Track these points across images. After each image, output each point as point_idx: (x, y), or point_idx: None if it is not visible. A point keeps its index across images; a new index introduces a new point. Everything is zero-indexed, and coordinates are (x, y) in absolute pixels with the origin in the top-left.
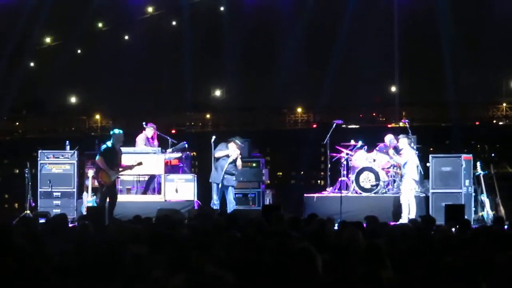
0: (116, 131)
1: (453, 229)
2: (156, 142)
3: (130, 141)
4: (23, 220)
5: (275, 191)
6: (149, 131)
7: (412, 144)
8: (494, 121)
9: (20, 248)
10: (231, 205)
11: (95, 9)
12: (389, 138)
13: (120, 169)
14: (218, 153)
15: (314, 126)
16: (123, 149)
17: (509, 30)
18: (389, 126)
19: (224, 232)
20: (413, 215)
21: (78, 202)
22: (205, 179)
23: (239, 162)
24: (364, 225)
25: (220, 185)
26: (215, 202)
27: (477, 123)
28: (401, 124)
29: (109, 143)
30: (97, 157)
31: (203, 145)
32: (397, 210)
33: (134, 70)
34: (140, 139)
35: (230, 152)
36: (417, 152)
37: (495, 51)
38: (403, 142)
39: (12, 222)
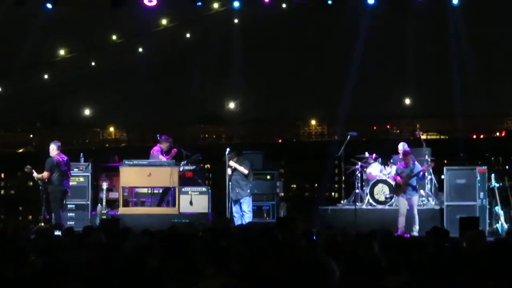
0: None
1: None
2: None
3: (145, 153)
4: (39, 231)
5: (290, 203)
6: (164, 144)
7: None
8: (505, 133)
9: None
10: (247, 217)
11: (109, 21)
12: (401, 145)
13: None
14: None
15: (503, 134)
16: (138, 161)
17: None
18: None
19: (238, 244)
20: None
21: (92, 214)
22: (219, 192)
23: (240, 170)
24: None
25: (234, 200)
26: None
27: (492, 135)
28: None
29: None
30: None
31: (217, 157)
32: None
33: (148, 82)
34: (156, 151)
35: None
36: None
37: (508, 62)
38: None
39: (29, 235)
